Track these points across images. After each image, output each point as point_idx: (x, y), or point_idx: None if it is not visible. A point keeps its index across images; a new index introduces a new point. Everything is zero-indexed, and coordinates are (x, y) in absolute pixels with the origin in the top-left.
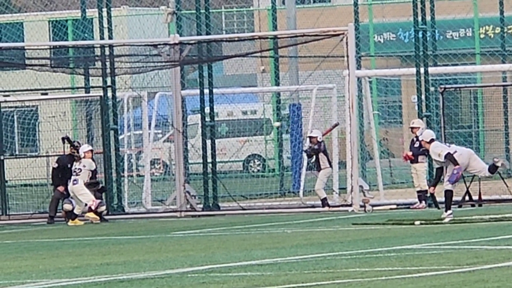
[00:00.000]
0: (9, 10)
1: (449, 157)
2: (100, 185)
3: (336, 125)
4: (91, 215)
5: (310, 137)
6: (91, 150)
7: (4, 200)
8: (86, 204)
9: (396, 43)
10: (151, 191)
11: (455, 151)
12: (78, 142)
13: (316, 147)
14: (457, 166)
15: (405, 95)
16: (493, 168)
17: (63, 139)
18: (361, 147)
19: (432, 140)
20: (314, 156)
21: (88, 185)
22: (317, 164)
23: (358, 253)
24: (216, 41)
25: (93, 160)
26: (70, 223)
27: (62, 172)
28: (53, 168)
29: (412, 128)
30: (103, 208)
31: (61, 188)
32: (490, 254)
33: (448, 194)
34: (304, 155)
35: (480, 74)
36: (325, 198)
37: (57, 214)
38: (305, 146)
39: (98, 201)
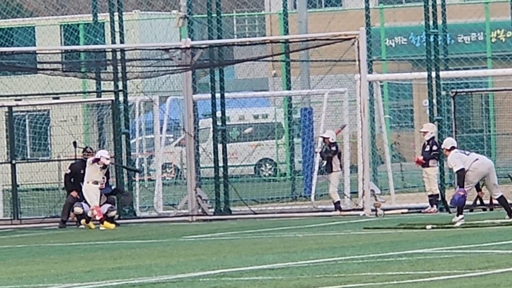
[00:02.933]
0: (21, 14)
1: (459, 175)
2: (124, 192)
3: (343, 126)
4: (107, 226)
5: (323, 138)
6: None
7: (15, 204)
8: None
9: (408, 47)
10: (162, 195)
11: (476, 159)
12: (90, 148)
13: (334, 148)
14: (461, 189)
15: (417, 99)
16: (504, 202)
17: (74, 143)
18: (373, 151)
19: (452, 148)
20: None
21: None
22: (328, 167)
23: (370, 257)
24: (227, 45)
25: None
26: (102, 227)
27: (75, 177)
28: (66, 174)
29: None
30: (114, 212)
31: (74, 193)
32: (502, 258)
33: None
34: (318, 157)
35: (492, 78)
36: (338, 202)
37: (69, 218)
38: (318, 148)
39: (109, 205)
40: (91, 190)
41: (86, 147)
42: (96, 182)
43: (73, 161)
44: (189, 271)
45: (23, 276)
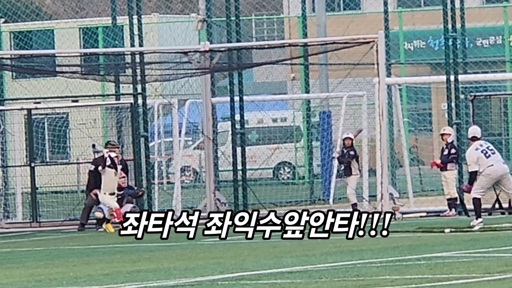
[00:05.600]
0: (40, 18)
1: (471, 175)
2: (140, 193)
3: (360, 130)
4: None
5: (345, 138)
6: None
7: (34, 207)
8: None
9: (426, 51)
10: (181, 198)
11: (491, 165)
12: (114, 141)
13: (352, 153)
14: (468, 186)
15: (435, 102)
16: None
17: (93, 146)
18: (391, 154)
19: (474, 138)
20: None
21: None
22: (347, 170)
23: (388, 261)
24: (246, 49)
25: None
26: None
27: (97, 173)
28: (90, 171)
29: (442, 134)
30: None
31: (94, 192)
32: None
33: (476, 202)
34: (336, 161)
35: (510, 82)
36: (355, 204)
37: (88, 221)
38: (336, 153)
39: (131, 205)
40: (107, 198)
41: (109, 141)
42: (112, 194)
43: (95, 158)
44: (208, 274)
45: (42, 279)
